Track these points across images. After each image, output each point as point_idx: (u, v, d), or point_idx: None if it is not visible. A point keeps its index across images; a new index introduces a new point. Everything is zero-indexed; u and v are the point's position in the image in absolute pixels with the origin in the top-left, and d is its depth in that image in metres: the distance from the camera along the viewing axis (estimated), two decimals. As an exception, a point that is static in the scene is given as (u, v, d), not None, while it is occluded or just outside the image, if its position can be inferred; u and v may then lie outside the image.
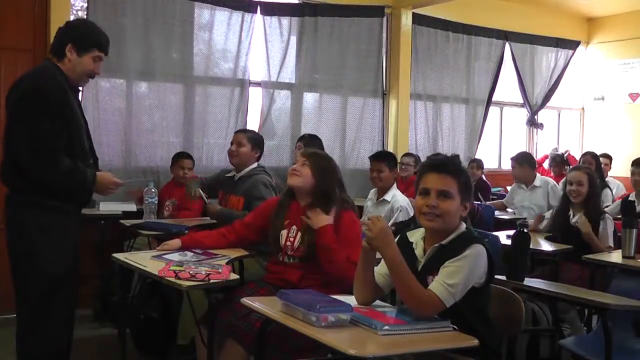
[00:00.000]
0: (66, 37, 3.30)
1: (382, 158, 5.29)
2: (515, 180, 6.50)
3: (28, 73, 3.33)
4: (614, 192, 6.83)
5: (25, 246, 3.20)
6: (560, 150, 8.65)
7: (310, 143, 5.79)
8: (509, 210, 6.58)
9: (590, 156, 6.66)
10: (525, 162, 6.41)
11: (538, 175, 6.46)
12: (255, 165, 4.66)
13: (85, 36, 3.33)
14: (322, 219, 3.31)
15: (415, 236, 2.65)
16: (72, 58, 3.27)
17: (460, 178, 2.56)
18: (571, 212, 4.77)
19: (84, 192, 3.35)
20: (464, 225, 2.58)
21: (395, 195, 5.14)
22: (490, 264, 2.50)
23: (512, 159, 6.54)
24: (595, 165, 6.45)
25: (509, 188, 7.07)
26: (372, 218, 2.45)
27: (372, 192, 5.39)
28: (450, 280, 2.38)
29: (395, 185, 5.26)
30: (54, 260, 3.21)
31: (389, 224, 4.86)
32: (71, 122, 3.22)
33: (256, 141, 4.71)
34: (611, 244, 4.55)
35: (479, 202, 6.25)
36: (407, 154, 6.97)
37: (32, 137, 3.11)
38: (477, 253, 2.45)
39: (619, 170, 8.14)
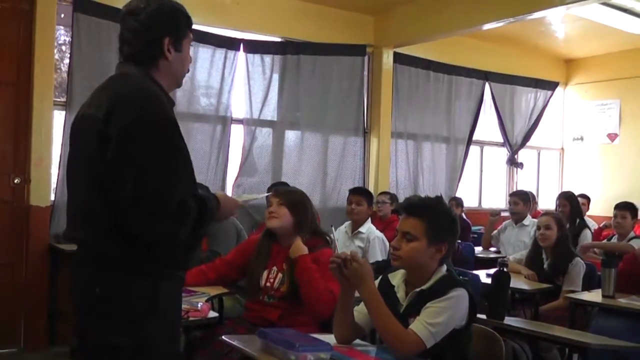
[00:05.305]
0: (161, 28, 2.18)
1: (362, 193, 5.45)
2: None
3: (127, 91, 2.09)
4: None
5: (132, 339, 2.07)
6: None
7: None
8: (491, 249, 6.60)
9: (563, 198, 6.61)
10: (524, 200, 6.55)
11: (528, 215, 6.51)
12: None
13: (179, 18, 2.24)
14: (302, 248, 3.31)
15: (397, 279, 2.62)
16: (171, 56, 2.22)
17: (428, 220, 2.49)
18: (544, 256, 4.84)
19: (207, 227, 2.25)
20: (444, 268, 2.55)
21: (371, 228, 5.24)
22: (471, 307, 2.48)
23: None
24: (570, 206, 6.44)
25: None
26: (346, 256, 2.42)
27: (347, 225, 5.40)
28: (431, 320, 2.36)
29: (369, 220, 5.35)
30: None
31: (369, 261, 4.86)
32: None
33: None
34: (578, 288, 4.52)
35: (458, 241, 6.26)
36: (382, 193, 6.93)
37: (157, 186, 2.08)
38: (459, 296, 2.43)
39: (598, 209, 8.20)
